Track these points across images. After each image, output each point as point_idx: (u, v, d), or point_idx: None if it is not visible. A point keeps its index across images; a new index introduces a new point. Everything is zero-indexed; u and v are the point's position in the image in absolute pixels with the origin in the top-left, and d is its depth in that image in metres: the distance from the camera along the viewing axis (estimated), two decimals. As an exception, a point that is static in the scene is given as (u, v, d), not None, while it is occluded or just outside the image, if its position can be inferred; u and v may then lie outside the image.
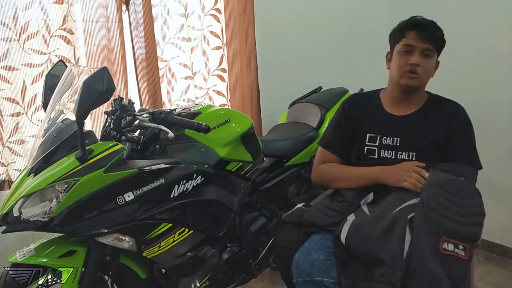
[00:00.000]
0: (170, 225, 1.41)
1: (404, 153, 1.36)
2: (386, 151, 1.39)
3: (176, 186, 1.41)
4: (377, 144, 1.40)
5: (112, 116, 1.47)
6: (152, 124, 1.43)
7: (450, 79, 2.35)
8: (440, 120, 1.37)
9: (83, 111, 1.17)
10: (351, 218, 1.28)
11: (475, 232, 1.12)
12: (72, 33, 1.91)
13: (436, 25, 1.35)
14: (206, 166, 1.51)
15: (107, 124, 1.54)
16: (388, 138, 1.39)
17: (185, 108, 1.62)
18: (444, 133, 1.36)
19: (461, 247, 1.09)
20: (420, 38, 1.32)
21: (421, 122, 1.38)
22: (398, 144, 1.37)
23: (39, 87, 1.81)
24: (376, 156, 1.40)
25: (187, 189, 1.44)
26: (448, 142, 1.35)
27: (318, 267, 1.25)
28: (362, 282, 1.16)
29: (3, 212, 1.24)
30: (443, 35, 1.36)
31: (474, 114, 2.28)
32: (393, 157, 1.38)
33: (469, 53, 2.25)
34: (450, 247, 1.09)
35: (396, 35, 1.38)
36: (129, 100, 1.55)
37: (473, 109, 2.30)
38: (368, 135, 1.42)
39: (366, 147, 1.42)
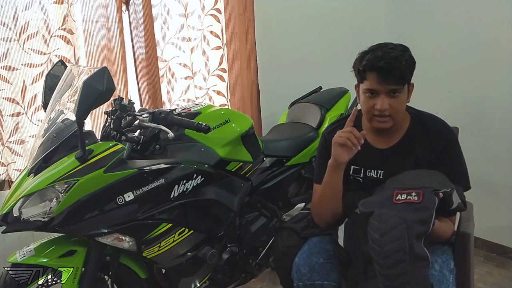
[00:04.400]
0: (170, 225, 1.41)
1: None
2: (371, 183, 1.35)
3: (176, 186, 1.41)
4: (361, 176, 1.37)
5: (112, 116, 1.47)
6: (152, 124, 1.43)
7: (450, 79, 2.35)
8: (425, 146, 1.29)
9: (83, 111, 1.17)
10: (344, 220, 1.29)
11: (430, 184, 1.11)
12: (72, 33, 1.91)
13: (399, 59, 1.18)
14: (206, 166, 1.51)
15: (107, 124, 1.54)
16: (373, 171, 1.35)
17: (185, 108, 1.62)
18: (427, 159, 1.29)
19: (414, 193, 1.08)
20: (382, 81, 1.19)
21: (405, 153, 1.31)
22: (381, 177, 1.33)
23: (39, 87, 1.81)
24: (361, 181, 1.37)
25: (187, 189, 1.44)
26: (433, 166, 1.27)
27: (318, 271, 1.25)
28: (363, 284, 1.16)
29: (3, 212, 1.24)
30: (411, 64, 1.22)
31: (474, 114, 2.29)
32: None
33: (469, 53, 2.24)
34: (403, 196, 1.09)
35: (356, 75, 1.28)
36: (129, 100, 1.55)
37: (473, 108, 2.32)
38: (352, 166, 1.37)
39: (351, 177, 1.38)
